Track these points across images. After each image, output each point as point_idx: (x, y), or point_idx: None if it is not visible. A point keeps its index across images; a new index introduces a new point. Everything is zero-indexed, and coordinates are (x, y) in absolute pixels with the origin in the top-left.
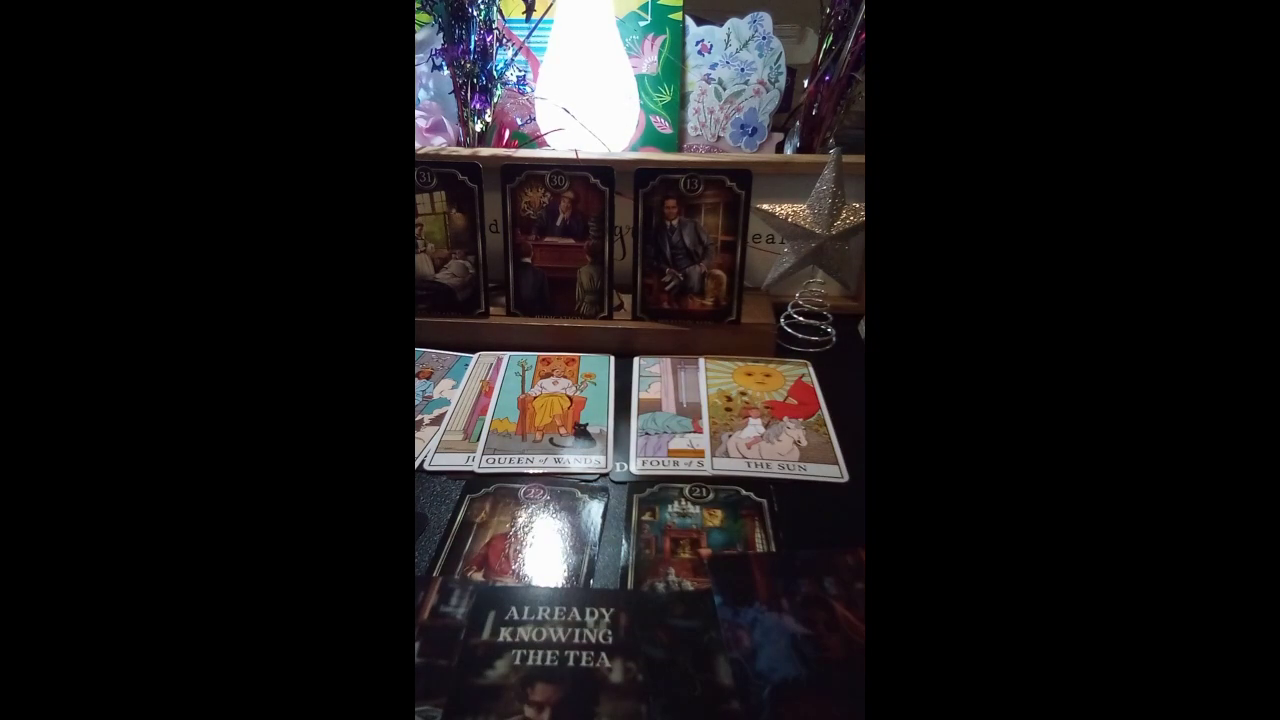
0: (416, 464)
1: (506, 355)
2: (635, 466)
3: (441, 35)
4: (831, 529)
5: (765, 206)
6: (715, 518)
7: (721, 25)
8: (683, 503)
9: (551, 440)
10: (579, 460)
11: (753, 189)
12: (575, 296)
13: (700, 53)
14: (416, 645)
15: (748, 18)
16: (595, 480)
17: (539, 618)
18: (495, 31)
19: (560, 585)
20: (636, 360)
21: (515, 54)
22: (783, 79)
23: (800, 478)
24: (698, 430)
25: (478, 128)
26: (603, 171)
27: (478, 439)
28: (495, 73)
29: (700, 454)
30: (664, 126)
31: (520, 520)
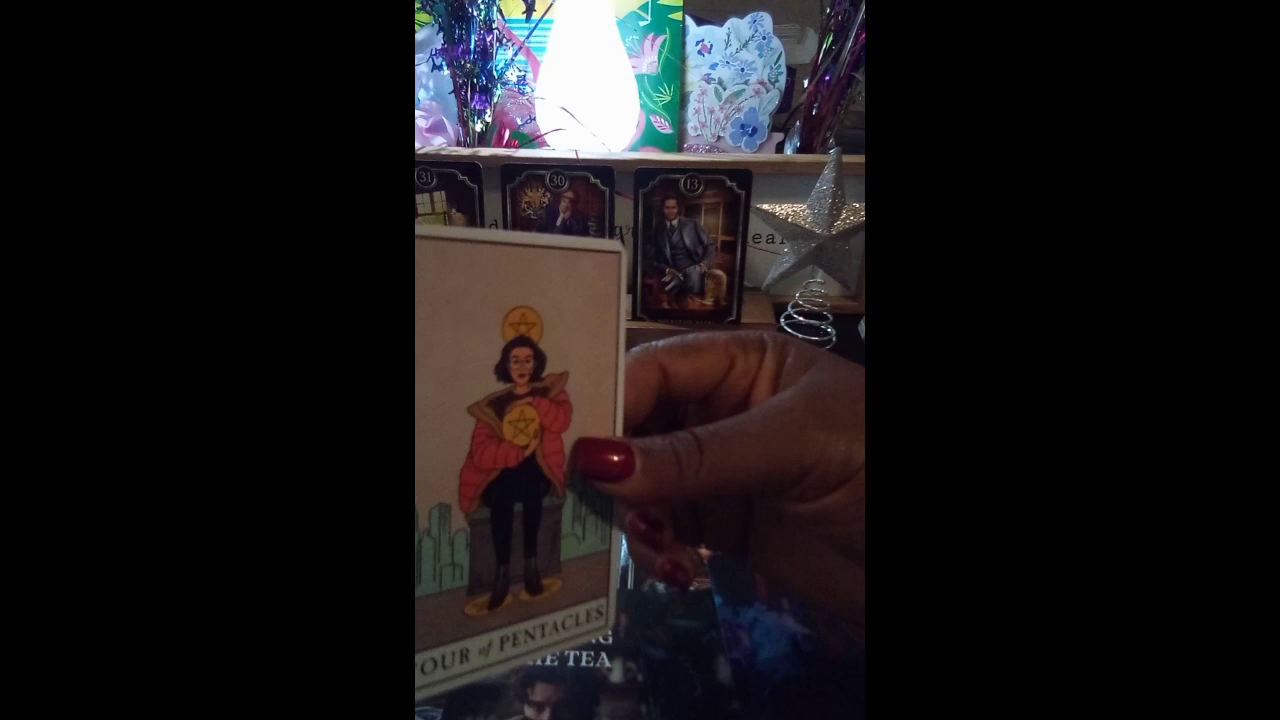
0: None
1: None
2: None
3: (441, 35)
4: None
5: (765, 206)
6: None
7: (721, 25)
8: None
9: None
10: None
11: (753, 189)
12: None
13: (700, 53)
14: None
15: (748, 18)
16: None
17: None
18: (495, 31)
19: None
20: None
21: (515, 54)
22: (783, 79)
23: None
24: None
25: (478, 128)
26: (603, 171)
27: None
28: (495, 73)
29: None
30: (664, 126)
31: None
